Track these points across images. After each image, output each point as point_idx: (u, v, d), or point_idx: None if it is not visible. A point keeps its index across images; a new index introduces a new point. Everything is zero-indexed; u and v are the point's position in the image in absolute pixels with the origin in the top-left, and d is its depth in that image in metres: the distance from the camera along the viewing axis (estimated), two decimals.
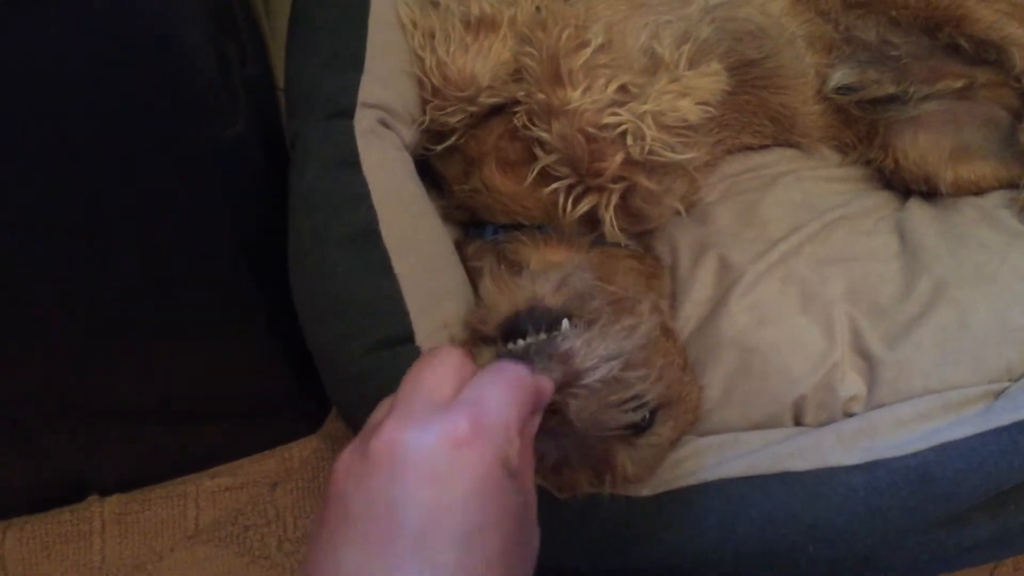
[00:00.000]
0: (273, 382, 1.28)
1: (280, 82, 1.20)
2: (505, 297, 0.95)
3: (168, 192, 1.01)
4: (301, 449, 1.35)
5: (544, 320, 0.92)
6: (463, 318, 1.06)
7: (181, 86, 0.89)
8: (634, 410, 0.97)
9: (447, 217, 1.24)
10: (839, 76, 1.35)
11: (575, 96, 1.02)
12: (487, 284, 0.99)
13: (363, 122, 1.07)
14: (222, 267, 1.13)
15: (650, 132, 1.01)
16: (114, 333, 1.14)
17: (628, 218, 1.12)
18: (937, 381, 1.13)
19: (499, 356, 0.87)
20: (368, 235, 1.02)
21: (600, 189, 1.06)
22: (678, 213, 1.23)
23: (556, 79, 1.04)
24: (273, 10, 1.35)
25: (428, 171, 1.25)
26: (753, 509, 1.04)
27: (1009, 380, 1.14)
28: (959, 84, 1.31)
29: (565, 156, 1.04)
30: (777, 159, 1.43)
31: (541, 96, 1.05)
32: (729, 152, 1.41)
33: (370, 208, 1.03)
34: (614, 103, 1.02)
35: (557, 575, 1.12)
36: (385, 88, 1.11)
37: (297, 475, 1.31)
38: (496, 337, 0.93)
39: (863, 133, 1.39)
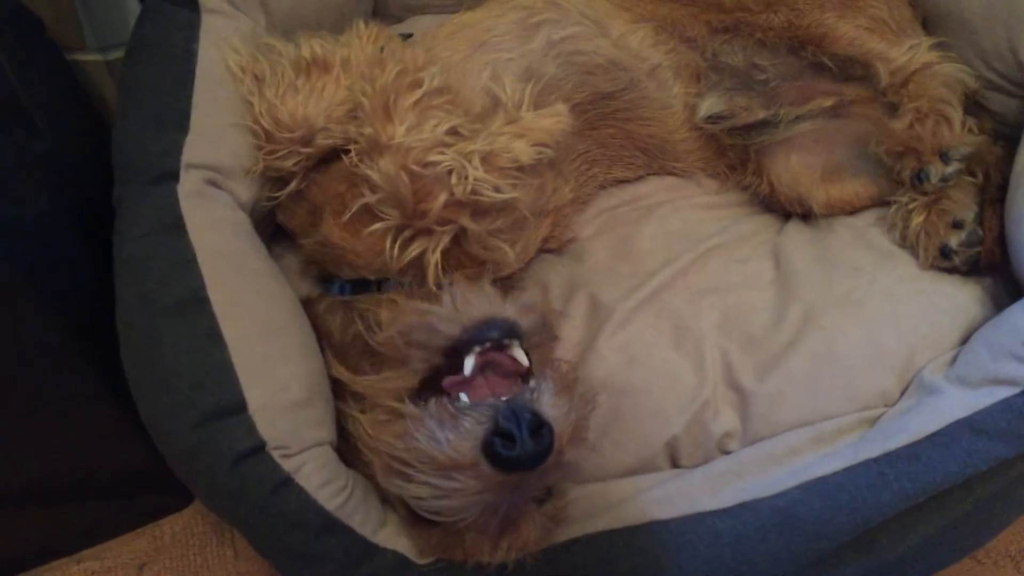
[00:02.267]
0: (137, 457, 1.21)
1: None
2: (475, 306, 0.94)
3: None
4: (172, 525, 1.28)
5: (513, 331, 0.93)
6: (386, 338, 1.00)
7: None
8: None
9: (304, 273, 1.20)
10: (708, 105, 1.32)
11: (401, 132, 0.99)
12: (454, 290, 0.97)
13: (188, 183, 1.02)
14: (60, 344, 1.07)
15: (475, 172, 0.98)
16: None
17: (466, 260, 1.08)
18: (809, 412, 1.10)
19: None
20: (195, 301, 0.97)
21: (427, 232, 1.02)
22: (527, 260, 1.19)
23: (386, 116, 1.01)
24: None
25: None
26: (619, 563, 1.00)
27: (885, 405, 1.11)
28: (830, 102, 1.29)
29: (390, 195, 1.00)
30: (654, 189, 1.39)
31: (369, 131, 1.02)
32: (602, 187, 1.38)
33: (196, 273, 0.98)
34: (442, 143, 0.99)
35: None
36: (214, 147, 1.06)
37: (167, 553, 1.25)
38: (460, 342, 0.92)
39: (736, 161, 1.36)
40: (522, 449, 0.84)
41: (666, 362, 1.15)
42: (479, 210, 1.02)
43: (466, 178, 0.98)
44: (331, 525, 0.96)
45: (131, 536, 1.28)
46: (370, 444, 0.96)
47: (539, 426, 0.85)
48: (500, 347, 0.92)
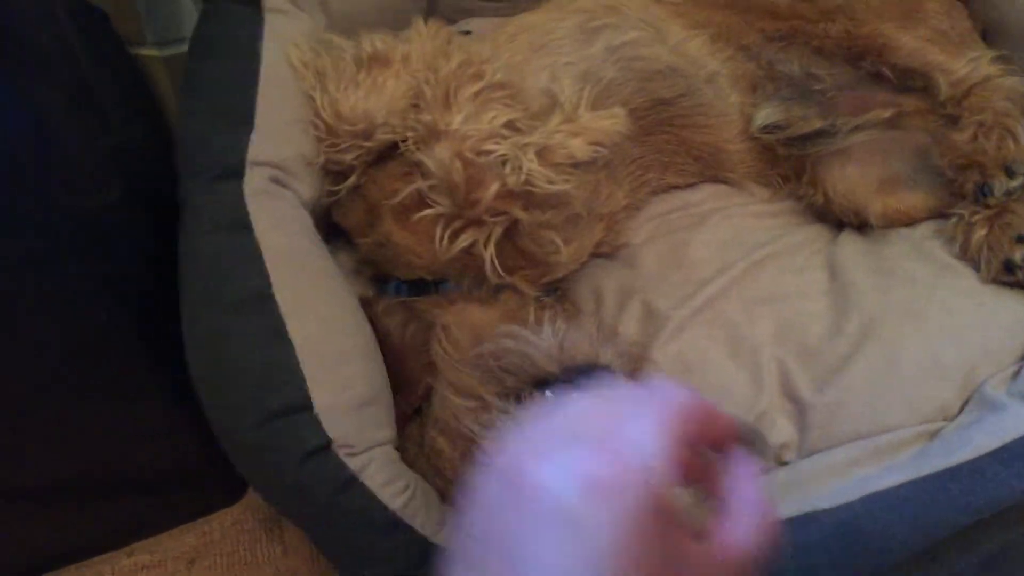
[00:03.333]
0: (188, 453, 1.23)
1: None
2: (578, 349, 0.93)
3: (54, 266, 0.96)
4: (222, 521, 1.29)
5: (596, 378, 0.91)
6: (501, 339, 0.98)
7: (33, 163, 0.85)
8: None
9: (357, 273, 1.20)
10: (764, 115, 1.32)
11: (458, 120, 1.00)
12: (548, 329, 0.94)
13: (253, 181, 1.03)
14: (122, 336, 1.08)
15: (529, 164, 0.98)
16: (19, 409, 1.09)
17: (522, 261, 1.08)
18: (869, 424, 1.09)
19: None
20: (261, 299, 0.97)
21: (479, 223, 1.02)
22: (581, 262, 1.19)
23: (446, 104, 1.02)
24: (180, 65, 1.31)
25: (338, 228, 1.21)
26: None
27: (944, 420, 1.09)
28: (887, 113, 1.28)
29: (443, 182, 1.00)
30: (706, 197, 1.39)
31: (428, 118, 1.02)
32: (655, 193, 1.38)
33: (262, 271, 0.98)
34: (498, 134, 1.00)
35: None
36: (278, 145, 1.06)
37: (217, 548, 1.25)
38: (555, 377, 0.91)
39: (791, 171, 1.35)
40: None
41: (722, 371, 1.15)
42: (532, 202, 1.02)
43: (520, 168, 0.98)
44: (394, 525, 0.96)
45: (181, 531, 1.29)
46: (453, 428, 0.96)
47: None
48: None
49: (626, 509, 0.47)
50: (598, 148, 1.03)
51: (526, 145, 0.99)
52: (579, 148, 1.02)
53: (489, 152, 0.99)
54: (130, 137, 1.07)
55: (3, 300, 0.94)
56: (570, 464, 0.49)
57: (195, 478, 1.28)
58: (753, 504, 0.55)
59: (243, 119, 1.05)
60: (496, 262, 1.03)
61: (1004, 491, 0.97)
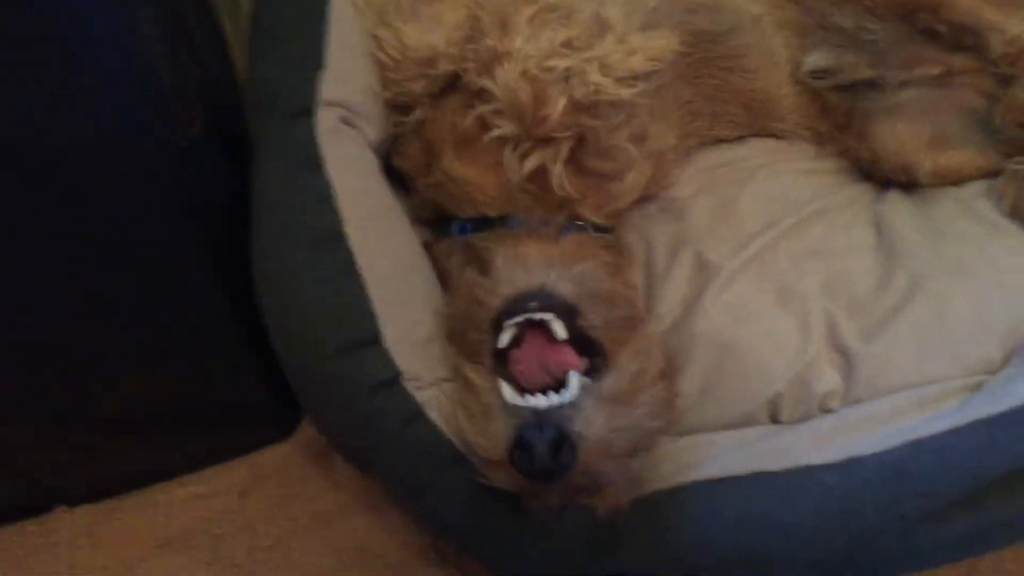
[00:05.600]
0: (243, 388, 1.26)
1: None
2: (516, 274, 0.98)
3: (129, 197, 0.98)
4: (273, 456, 1.32)
5: (551, 304, 0.94)
6: (452, 305, 1.06)
7: (133, 91, 0.87)
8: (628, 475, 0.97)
9: (416, 219, 1.22)
10: (814, 59, 1.33)
11: (519, 42, 1.01)
12: (498, 261, 1.00)
13: (325, 121, 1.05)
14: (186, 271, 1.10)
15: (595, 76, 1.00)
16: (80, 343, 1.12)
17: (588, 187, 1.10)
18: (915, 375, 1.12)
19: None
20: (333, 237, 1.00)
21: (547, 141, 1.04)
22: (639, 195, 1.21)
23: (504, 29, 1.04)
24: (240, 11, 1.33)
25: (395, 173, 1.23)
26: (727, 511, 1.02)
27: (987, 373, 1.12)
28: (936, 71, 1.29)
29: (509, 103, 1.02)
30: (753, 152, 1.41)
31: (489, 43, 1.04)
32: (703, 143, 1.39)
33: (334, 209, 1.01)
34: (559, 52, 1.01)
35: None
36: (347, 85, 1.09)
37: (268, 482, 1.29)
38: (496, 316, 0.95)
39: (840, 122, 1.36)
40: (540, 464, 0.86)
41: (772, 321, 1.17)
42: (599, 114, 1.04)
43: (586, 81, 1.00)
44: (457, 459, 1.00)
45: (233, 464, 1.32)
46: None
47: (561, 443, 0.86)
48: (541, 322, 0.94)
49: None
50: (656, 63, 1.05)
51: (588, 59, 1.00)
52: (638, 63, 1.03)
53: (553, 68, 1.00)
54: (213, 72, 1.09)
55: (88, 225, 0.96)
56: None
57: (247, 414, 1.31)
58: None
59: (314, 60, 1.07)
60: (566, 180, 1.05)
61: None
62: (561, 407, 0.89)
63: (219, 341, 1.19)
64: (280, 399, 1.27)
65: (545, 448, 0.86)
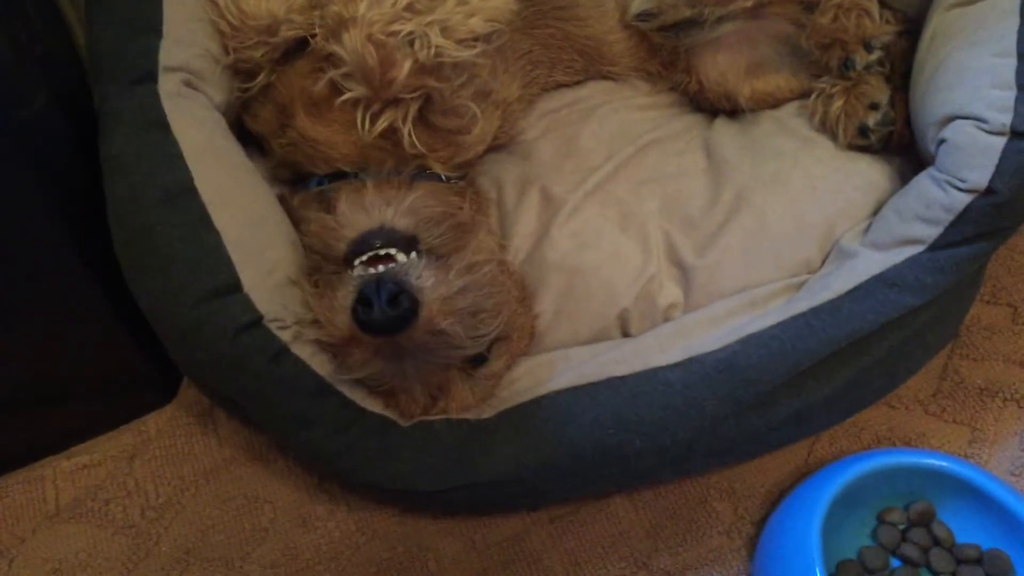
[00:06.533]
0: (120, 357, 1.28)
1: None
2: (358, 217, 1.05)
3: None
4: (157, 420, 1.35)
5: (393, 239, 1.02)
6: (307, 244, 1.12)
7: None
8: (474, 345, 1.05)
9: (272, 178, 1.26)
10: (638, 3, 1.42)
11: (364, 7, 1.06)
12: (342, 205, 1.07)
13: (167, 84, 1.08)
14: (44, 244, 1.12)
15: (436, 39, 1.06)
16: None
17: (436, 142, 1.17)
18: (744, 280, 1.23)
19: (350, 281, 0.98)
20: (185, 192, 1.04)
21: (396, 102, 1.10)
22: (487, 145, 1.28)
23: None
24: None
25: (250, 135, 1.27)
26: (583, 415, 1.11)
27: (808, 273, 1.24)
28: (749, 3, 1.38)
29: (357, 67, 1.08)
30: (592, 93, 1.49)
31: (334, 8, 1.09)
32: (544, 90, 1.47)
33: (183, 166, 1.05)
34: (401, 16, 1.07)
35: (409, 499, 1.18)
36: (186, 50, 1.12)
37: (155, 444, 1.32)
38: (346, 255, 1.02)
39: (667, 60, 1.47)
40: (380, 313, 0.93)
41: (614, 244, 1.26)
42: (443, 75, 1.10)
43: (428, 44, 1.06)
44: (325, 389, 1.06)
45: (118, 432, 1.34)
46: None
47: (397, 294, 0.94)
48: (388, 256, 1.01)
49: None
50: (495, 23, 1.12)
51: (430, 23, 1.06)
52: (478, 24, 1.09)
53: (397, 32, 1.06)
54: (53, 47, 1.10)
55: None
56: None
57: (127, 382, 1.33)
58: None
59: (152, 27, 1.10)
60: (415, 137, 1.12)
61: (857, 322, 1.12)
62: (397, 269, 0.98)
63: (88, 312, 1.21)
64: (159, 365, 1.30)
65: (384, 299, 0.93)
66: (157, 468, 1.32)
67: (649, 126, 1.44)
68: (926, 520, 1.18)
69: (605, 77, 1.51)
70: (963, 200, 1.09)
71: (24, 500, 1.30)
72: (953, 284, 1.14)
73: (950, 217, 1.10)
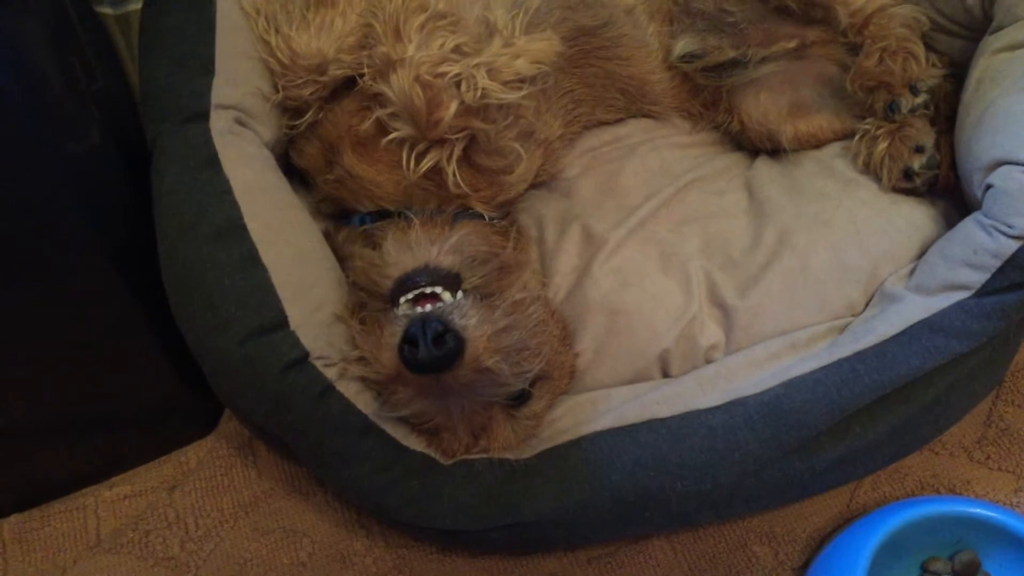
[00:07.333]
0: (163, 388, 1.30)
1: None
2: (403, 255, 1.07)
3: (30, 206, 1.02)
4: (197, 451, 1.36)
5: (437, 278, 1.04)
6: (352, 280, 1.14)
7: (24, 102, 0.91)
8: (518, 382, 1.05)
9: (316, 212, 1.28)
10: (682, 45, 1.43)
11: (412, 48, 1.08)
12: (388, 243, 1.09)
13: (219, 123, 1.11)
14: (93, 276, 1.13)
15: (483, 80, 1.08)
16: (2, 351, 1.15)
17: (479, 182, 1.18)
18: (786, 322, 1.22)
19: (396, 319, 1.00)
20: (234, 229, 1.06)
21: (442, 143, 1.11)
22: (528, 184, 1.29)
23: (397, 36, 1.10)
24: (131, 23, 1.37)
25: (295, 170, 1.29)
26: (624, 456, 1.11)
27: (851, 315, 1.23)
28: (792, 44, 1.40)
29: (404, 107, 1.09)
30: (633, 130, 1.50)
31: (382, 51, 1.10)
32: (586, 128, 1.48)
33: (233, 203, 1.07)
34: (449, 58, 1.09)
35: (448, 537, 1.18)
36: (237, 89, 1.14)
37: (195, 476, 1.33)
38: (391, 292, 1.04)
39: (709, 100, 1.47)
40: (426, 352, 0.95)
41: (656, 284, 1.26)
42: (488, 116, 1.12)
43: (475, 86, 1.08)
44: (368, 428, 1.07)
45: (159, 462, 1.36)
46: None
47: (443, 333, 0.95)
48: (433, 295, 1.03)
49: None
50: (540, 65, 1.13)
51: (477, 65, 1.08)
52: (523, 66, 1.11)
53: (444, 74, 1.07)
54: (108, 84, 1.13)
55: None
56: None
57: (170, 412, 1.35)
58: None
59: (204, 66, 1.12)
60: (459, 177, 1.13)
61: (903, 368, 1.11)
62: (443, 309, 1.00)
63: (133, 344, 1.23)
64: (201, 396, 1.31)
65: (429, 338, 0.94)
66: (197, 499, 1.33)
67: (690, 164, 1.44)
68: (971, 571, 1.17)
69: (646, 115, 1.51)
70: (1011, 246, 1.08)
71: (66, 529, 1.31)
72: (1000, 330, 1.13)
73: (997, 263, 1.09)
